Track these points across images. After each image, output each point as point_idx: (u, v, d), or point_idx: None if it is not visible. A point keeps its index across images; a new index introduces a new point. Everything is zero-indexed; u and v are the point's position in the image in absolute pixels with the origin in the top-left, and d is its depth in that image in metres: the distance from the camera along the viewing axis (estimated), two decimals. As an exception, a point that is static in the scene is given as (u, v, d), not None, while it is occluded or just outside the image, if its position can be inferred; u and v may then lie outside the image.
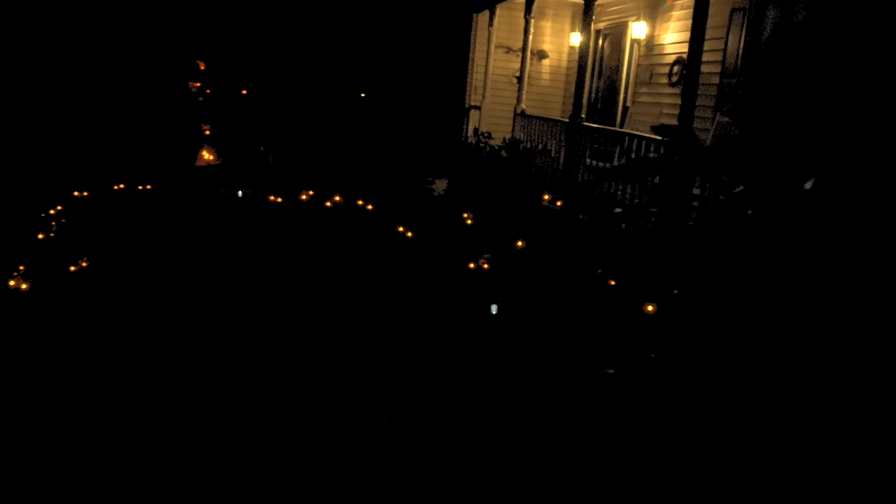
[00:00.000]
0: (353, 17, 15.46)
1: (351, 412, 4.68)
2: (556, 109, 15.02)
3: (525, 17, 12.72)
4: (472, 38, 15.21)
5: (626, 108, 12.48)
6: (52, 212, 8.67)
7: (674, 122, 10.46)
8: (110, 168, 10.91)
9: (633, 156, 7.71)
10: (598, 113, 13.01)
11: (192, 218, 9.52)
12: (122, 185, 10.27)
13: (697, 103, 7.13)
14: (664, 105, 11.05)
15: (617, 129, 10.57)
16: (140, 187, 10.39)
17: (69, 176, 10.25)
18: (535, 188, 8.46)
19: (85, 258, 7.13)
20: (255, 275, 7.53)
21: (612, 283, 5.27)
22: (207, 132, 11.88)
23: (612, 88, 13.03)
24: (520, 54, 14.36)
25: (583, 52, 9.77)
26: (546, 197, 7.49)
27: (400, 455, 4.24)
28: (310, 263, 8.03)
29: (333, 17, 15.39)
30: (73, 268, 7.01)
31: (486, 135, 11.09)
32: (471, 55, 15.30)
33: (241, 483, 3.97)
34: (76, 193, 9.63)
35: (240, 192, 10.25)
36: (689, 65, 6.56)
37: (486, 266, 7.52)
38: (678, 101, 10.66)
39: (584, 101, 10.04)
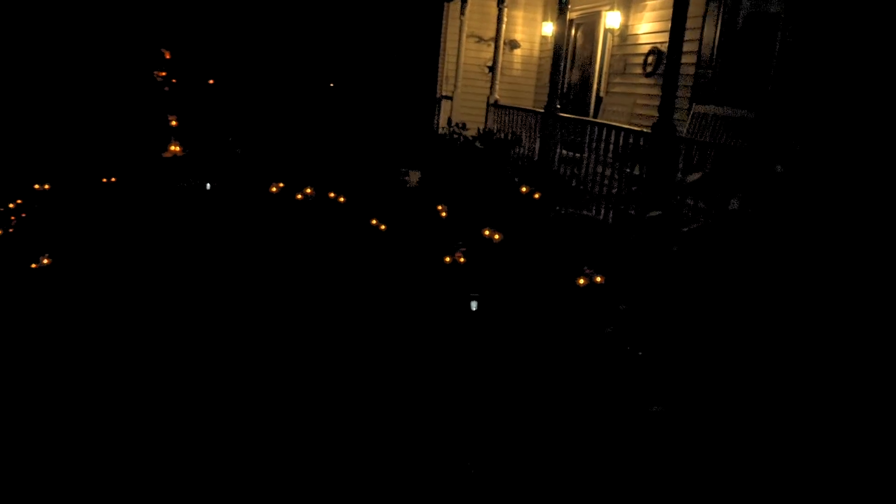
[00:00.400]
0: (323, 4, 15.18)
1: (321, 418, 4.52)
2: (528, 100, 14.91)
3: (498, 6, 12.58)
4: (444, 27, 15.03)
5: (599, 99, 12.39)
6: (10, 206, 8.36)
7: (649, 112, 10.42)
8: (73, 160, 10.58)
9: (611, 147, 7.60)
10: (570, 103, 12.91)
11: (159, 211, 9.24)
12: (85, 178, 9.96)
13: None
14: (638, 95, 10.97)
15: (593, 119, 10.47)
16: (105, 180, 10.08)
17: (29, 168, 9.92)
18: (511, 180, 8.32)
19: (47, 255, 6.86)
20: (224, 269, 7.31)
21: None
22: (174, 123, 11.56)
23: (584, 79, 12.94)
24: (491, 44, 14.23)
25: (558, 41, 9.65)
26: (524, 189, 7.35)
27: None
28: (281, 258, 7.82)
29: (302, 4, 15.09)
30: (34, 265, 6.75)
31: (460, 125, 10.92)
32: (442, 45, 15.12)
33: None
34: (37, 186, 9.31)
35: (208, 185, 9.98)
36: (670, 56, 6.45)
37: (462, 260, 7.37)
38: (653, 91, 10.65)
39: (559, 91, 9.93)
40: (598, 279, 5.11)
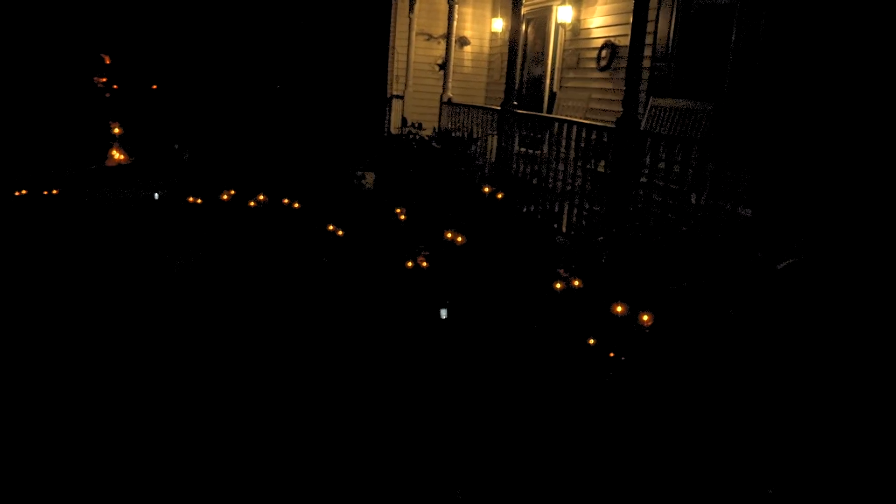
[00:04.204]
0: (268, 4, 14.82)
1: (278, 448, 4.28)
2: (480, 97, 14.79)
3: (449, 3, 12.40)
4: (392, 25, 14.82)
5: (553, 94, 12.29)
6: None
7: (604, 106, 10.35)
8: (10, 173, 10.11)
9: (572, 143, 7.46)
10: (524, 99, 12.79)
11: (105, 224, 8.86)
12: (24, 192, 9.52)
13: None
14: (593, 90, 10.89)
15: (551, 115, 10.35)
16: (46, 192, 9.65)
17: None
18: (472, 180, 8.15)
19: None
20: (176, 284, 7.00)
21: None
22: (117, 130, 11.14)
23: (537, 74, 12.83)
24: (441, 41, 14.06)
25: (512, 36, 9.49)
26: (486, 189, 7.17)
27: None
28: (236, 268, 7.53)
29: (246, 4, 14.71)
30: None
31: (416, 125, 10.72)
32: (391, 43, 14.90)
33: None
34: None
35: (156, 194, 9.61)
36: (632, 49, 6.33)
37: (424, 264, 7.16)
38: (608, 85, 10.57)
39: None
40: (576, 283, 4.95)
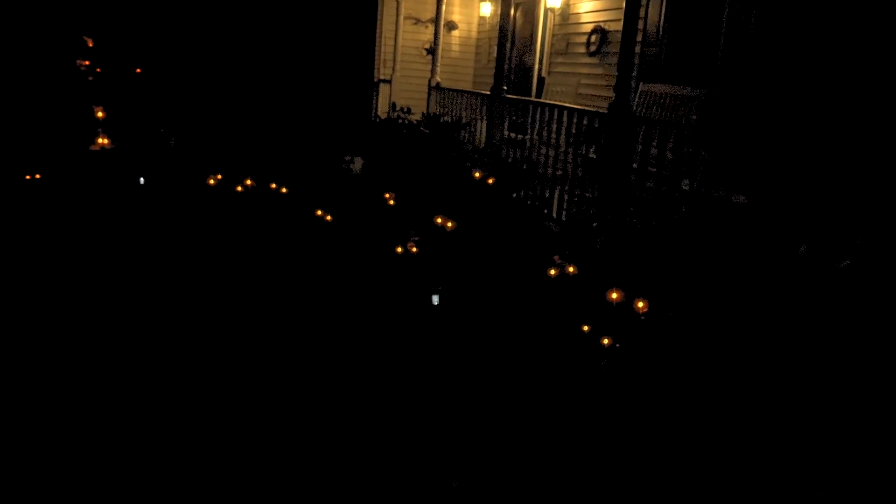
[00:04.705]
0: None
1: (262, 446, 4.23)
2: (468, 81, 14.70)
3: (437, -13, 12.32)
4: (380, 9, 14.69)
5: (541, 79, 12.23)
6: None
7: (593, 91, 10.30)
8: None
9: (563, 129, 7.41)
10: (513, 84, 12.70)
11: (89, 209, 8.74)
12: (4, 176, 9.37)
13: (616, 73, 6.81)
14: (582, 75, 10.83)
15: (541, 100, 10.29)
16: (28, 177, 9.50)
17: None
18: (463, 165, 8.08)
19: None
20: (161, 270, 6.91)
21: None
22: (100, 114, 10.98)
23: (526, 59, 12.77)
24: (429, 25, 13.97)
25: (503, 20, 9.43)
26: (477, 174, 7.12)
27: None
28: (223, 253, 7.45)
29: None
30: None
31: (405, 109, 10.64)
32: (378, 27, 14.78)
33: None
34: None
35: (141, 179, 9.48)
36: (624, 34, 6.29)
37: (414, 249, 7.11)
38: (597, 70, 10.52)
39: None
40: (571, 269, 4.91)
